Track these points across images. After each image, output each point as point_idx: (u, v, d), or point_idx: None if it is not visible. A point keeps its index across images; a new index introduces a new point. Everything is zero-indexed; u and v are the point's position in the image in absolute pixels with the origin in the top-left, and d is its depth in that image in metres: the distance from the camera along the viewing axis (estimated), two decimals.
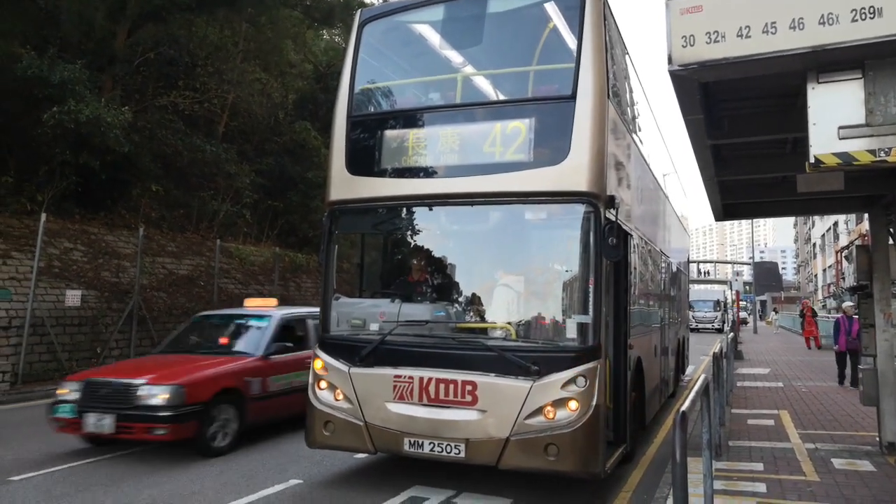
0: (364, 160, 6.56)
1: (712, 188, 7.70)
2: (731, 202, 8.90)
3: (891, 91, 3.77)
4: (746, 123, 6.02)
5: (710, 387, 5.53)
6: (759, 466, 6.79)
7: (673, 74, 4.01)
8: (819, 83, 3.89)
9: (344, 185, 6.56)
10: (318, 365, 6.40)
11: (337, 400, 6.20)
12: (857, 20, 3.57)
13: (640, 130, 8.50)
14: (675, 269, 12.37)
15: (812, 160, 3.85)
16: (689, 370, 15.96)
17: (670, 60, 3.93)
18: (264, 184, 22.59)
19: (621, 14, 7.02)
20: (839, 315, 14.72)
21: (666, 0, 4.02)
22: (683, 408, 3.91)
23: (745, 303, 48.54)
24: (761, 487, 6.02)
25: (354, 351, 6.18)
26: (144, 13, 17.56)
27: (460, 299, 6.37)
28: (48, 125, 13.93)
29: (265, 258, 20.97)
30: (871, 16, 3.54)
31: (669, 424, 9.23)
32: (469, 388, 5.65)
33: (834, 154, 3.82)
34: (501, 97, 6.85)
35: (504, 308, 6.22)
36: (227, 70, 22.09)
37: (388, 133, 6.60)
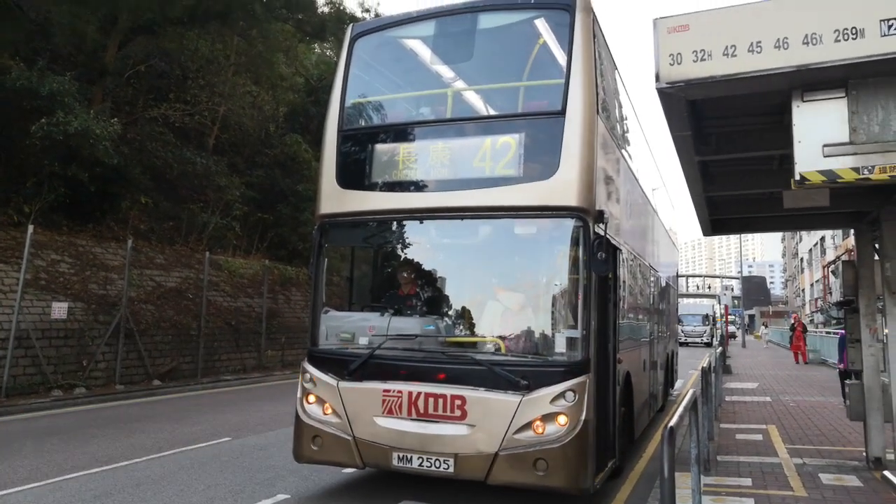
0: (354, 174, 6.58)
1: (700, 203, 7.77)
2: (719, 217, 8.98)
3: (874, 110, 3.84)
4: (733, 140, 6.09)
5: (699, 401, 5.55)
6: (748, 481, 6.79)
7: (661, 92, 4.06)
8: (804, 101, 3.96)
9: (334, 199, 6.56)
10: (306, 379, 6.35)
11: (325, 414, 6.16)
12: (839, 41, 3.65)
13: (629, 146, 8.56)
14: (663, 283, 12.42)
15: (797, 177, 3.91)
16: (678, 384, 15.99)
17: (658, 78, 3.99)
18: (254, 196, 22.55)
19: (610, 32, 7.09)
20: (843, 331, 14.29)
21: (654, 19, 4.09)
22: (671, 423, 3.93)
23: (733, 317, 48.79)
24: (749, 503, 6.02)
25: (343, 365, 6.14)
26: (136, 27, 17.61)
27: (449, 313, 6.35)
28: (37, 136, 13.88)
29: (254, 271, 20.89)
30: (854, 36, 3.62)
31: (658, 439, 9.24)
32: (458, 402, 5.63)
33: (819, 171, 3.88)
34: (492, 112, 6.89)
35: (493, 322, 6.18)
36: (219, 83, 22.13)
37: (379, 147, 6.62)
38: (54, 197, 15.27)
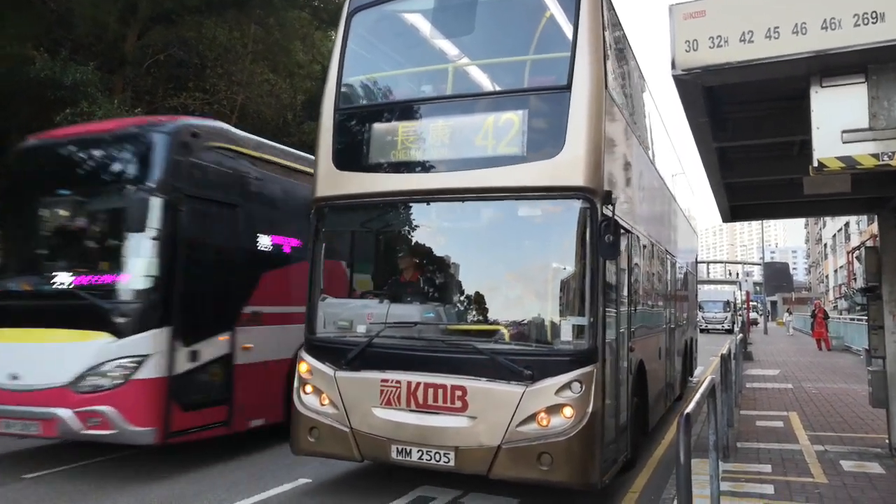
0: (352, 155, 6.32)
1: (719, 190, 7.71)
2: (738, 204, 8.88)
3: (894, 95, 3.78)
4: (751, 126, 6.01)
5: (717, 388, 5.50)
6: (767, 468, 6.77)
7: (677, 79, 4.03)
8: (822, 87, 3.90)
9: (331, 181, 6.31)
10: (303, 368, 6.15)
11: (322, 405, 5.97)
12: (859, 25, 3.59)
13: (642, 126, 8.30)
14: (681, 269, 12.26)
15: (815, 164, 3.87)
16: (697, 371, 15.92)
17: (674, 65, 3.96)
18: None
19: (625, 18, 6.95)
20: None
21: (669, 5, 4.05)
22: (688, 409, 3.93)
23: (755, 303, 48.36)
24: (769, 489, 6.02)
25: (340, 354, 5.94)
26: (155, 16, 17.75)
27: (450, 300, 6.18)
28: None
29: None
30: (874, 20, 3.56)
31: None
32: (459, 393, 5.40)
33: (837, 158, 3.83)
34: (494, 88, 6.60)
35: (496, 309, 5.99)
36: (237, 71, 22.21)
37: (377, 126, 6.34)
38: None
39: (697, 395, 4.73)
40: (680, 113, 5.13)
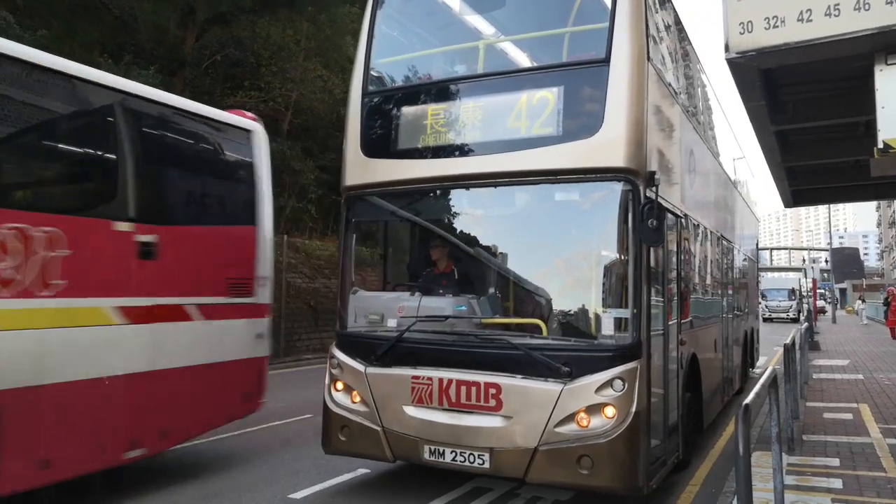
0: (380, 141, 6.05)
1: (779, 174, 7.47)
2: (800, 188, 8.59)
3: None
4: (812, 107, 5.77)
5: (779, 379, 5.31)
6: (835, 462, 6.54)
7: (730, 62, 3.92)
8: (888, 65, 3.71)
9: (360, 169, 6.06)
10: (334, 364, 5.96)
11: (353, 402, 5.74)
12: None
13: (695, 105, 7.85)
14: (740, 255, 11.76)
15: (880, 145, 3.69)
16: (760, 362, 15.46)
17: (727, 48, 3.85)
18: (328, 179, 23.07)
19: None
20: None
21: None
22: (747, 400, 3.84)
23: (823, 290, 46.62)
24: (837, 483, 5.81)
25: (371, 349, 5.70)
26: (211, 18, 18.31)
27: (484, 291, 5.90)
28: None
29: (330, 252, 21.41)
30: None
31: None
32: (493, 391, 5.09)
33: None
34: (527, 64, 6.25)
35: (532, 301, 5.69)
36: (290, 69, 22.66)
37: (405, 110, 6.07)
38: None
39: (757, 387, 4.63)
40: (736, 95, 4.98)
